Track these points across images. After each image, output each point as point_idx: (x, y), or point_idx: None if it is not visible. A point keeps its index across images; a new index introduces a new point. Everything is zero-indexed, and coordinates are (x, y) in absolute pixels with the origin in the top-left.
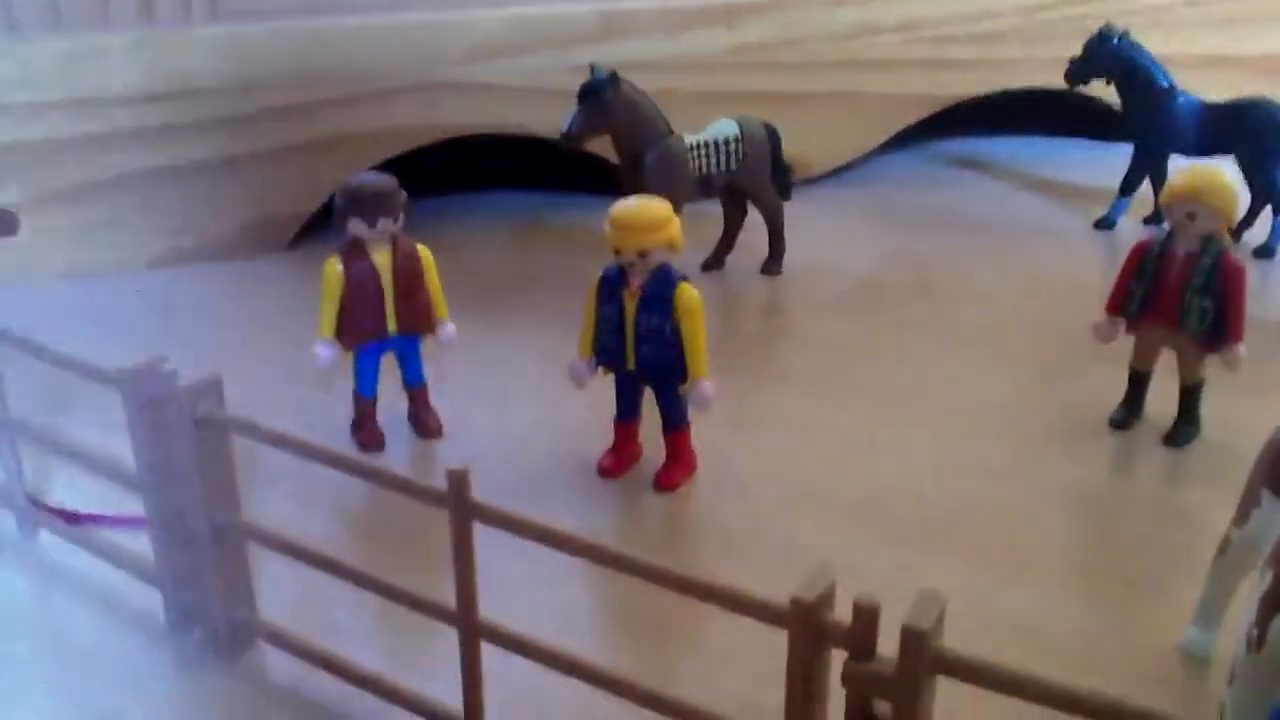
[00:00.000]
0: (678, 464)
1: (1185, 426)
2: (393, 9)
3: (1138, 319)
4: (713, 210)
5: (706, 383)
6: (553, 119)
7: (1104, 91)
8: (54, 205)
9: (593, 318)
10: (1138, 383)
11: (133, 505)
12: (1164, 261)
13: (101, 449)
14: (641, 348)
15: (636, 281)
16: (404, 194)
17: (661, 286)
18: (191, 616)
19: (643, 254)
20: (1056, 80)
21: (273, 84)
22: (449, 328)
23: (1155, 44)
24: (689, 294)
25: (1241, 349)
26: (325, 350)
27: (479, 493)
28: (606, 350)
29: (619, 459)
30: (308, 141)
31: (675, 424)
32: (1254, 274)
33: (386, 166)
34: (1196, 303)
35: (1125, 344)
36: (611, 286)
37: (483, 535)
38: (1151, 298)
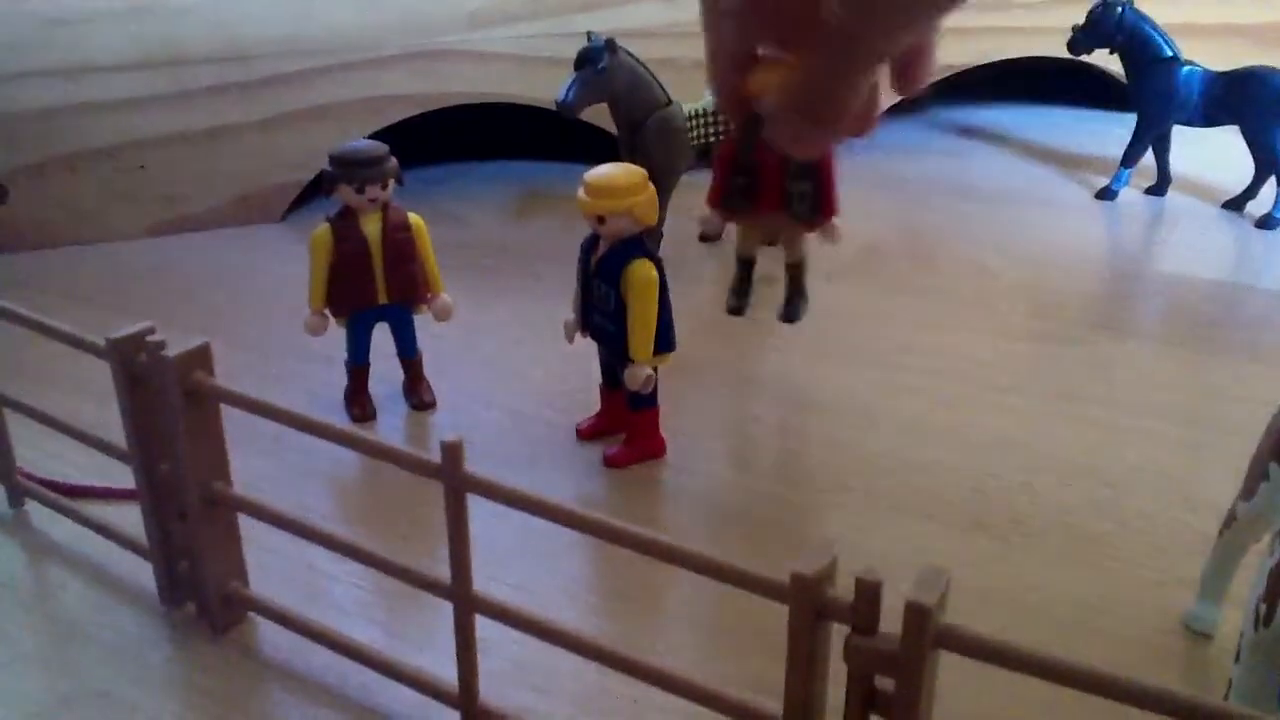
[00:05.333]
0: (630, 443)
1: (799, 300)
2: None
3: (743, 210)
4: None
5: (643, 369)
6: (550, 88)
7: (1108, 61)
8: (45, 175)
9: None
10: (746, 268)
11: (123, 477)
12: (760, 154)
13: (92, 420)
14: (593, 316)
15: (601, 249)
16: (395, 161)
17: (619, 258)
18: (183, 589)
19: (601, 219)
20: (1060, 49)
21: (266, 52)
22: (444, 300)
23: (1160, 13)
24: (641, 270)
25: (838, 222)
26: (317, 321)
27: (473, 465)
28: (584, 315)
29: (593, 423)
30: (302, 110)
31: (631, 402)
32: (1258, 245)
33: (384, 136)
34: (796, 187)
35: (1114, 319)
36: (585, 252)
37: (477, 507)
38: (754, 189)
